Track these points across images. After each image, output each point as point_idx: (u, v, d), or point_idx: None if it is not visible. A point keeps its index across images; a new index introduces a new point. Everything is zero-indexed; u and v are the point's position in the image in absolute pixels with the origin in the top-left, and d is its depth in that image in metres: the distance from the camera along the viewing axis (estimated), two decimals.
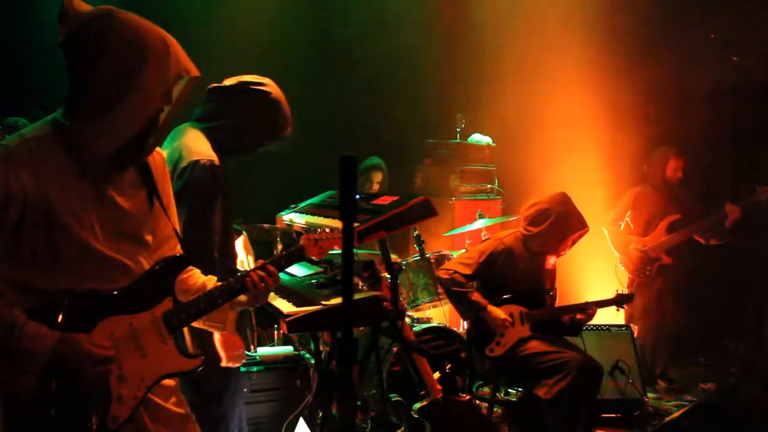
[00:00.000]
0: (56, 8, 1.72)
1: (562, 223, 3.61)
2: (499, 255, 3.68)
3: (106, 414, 1.71)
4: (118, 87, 1.67)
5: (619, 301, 3.77)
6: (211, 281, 2.03)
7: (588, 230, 3.71)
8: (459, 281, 3.58)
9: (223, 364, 2.37)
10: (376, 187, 5.24)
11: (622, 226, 5.20)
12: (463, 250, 4.59)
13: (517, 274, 3.68)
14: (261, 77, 2.58)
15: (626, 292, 5.08)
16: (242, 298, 1.99)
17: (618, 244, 5.14)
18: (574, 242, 3.73)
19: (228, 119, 2.51)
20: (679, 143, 5.27)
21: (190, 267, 2.03)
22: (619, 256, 5.13)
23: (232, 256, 2.64)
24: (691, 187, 5.16)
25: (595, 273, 5.50)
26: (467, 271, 3.62)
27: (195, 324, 1.96)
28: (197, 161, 2.36)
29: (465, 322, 4.34)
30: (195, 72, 1.81)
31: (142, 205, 1.86)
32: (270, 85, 2.57)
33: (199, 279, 2.04)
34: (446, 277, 3.61)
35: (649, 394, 4.50)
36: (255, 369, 3.56)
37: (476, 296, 3.58)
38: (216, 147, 2.48)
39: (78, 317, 1.71)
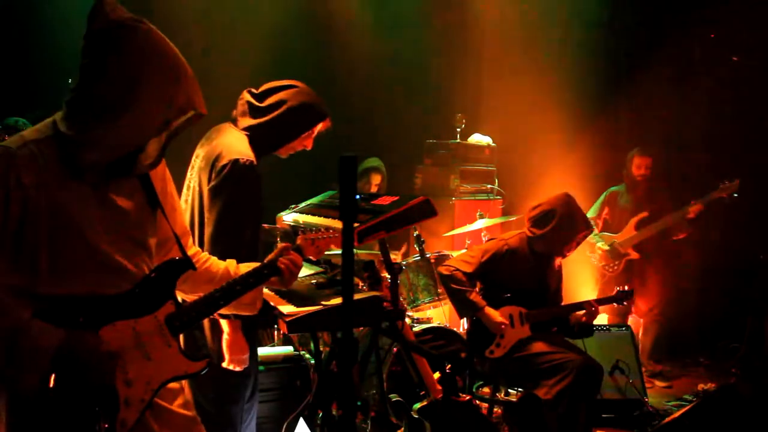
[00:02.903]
0: (58, 9, 1.73)
1: (567, 225, 3.60)
2: (503, 256, 3.67)
3: (114, 418, 1.71)
4: (122, 98, 1.66)
5: (618, 298, 3.77)
6: (232, 265, 2.09)
7: (592, 231, 3.70)
8: (459, 279, 3.58)
9: (225, 364, 2.38)
10: (374, 189, 5.24)
11: (600, 225, 5.38)
12: (463, 250, 4.59)
13: (520, 275, 3.67)
14: (291, 81, 2.70)
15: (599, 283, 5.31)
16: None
17: (589, 243, 5.36)
18: (578, 243, 3.71)
19: (263, 118, 2.58)
20: (669, 143, 5.35)
21: (207, 256, 2.10)
22: (589, 254, 5.39)
23: (256, 256, 2.67)
24: (668, 186, 5.34)
25: (578, 266, 5.53)
26: (468, 269, 3.61)
27: (224, 311, 1.99)
28: (237, 160, 2.41)
29: (465, 322, 4.34)
30: (202, 109, 1.80)
31: (142, 208, 1.86)
32: (299, 85, 2.69)
33: (220, 265, 2.08)
34: (447, 273, 3.61)
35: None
36: None
37: (474, 296, 3.58)
38: (254, 147, 2.55)
39: (81, 322, 1.70)
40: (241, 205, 2.42)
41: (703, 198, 5.02)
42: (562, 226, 3.59)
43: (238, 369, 2.40)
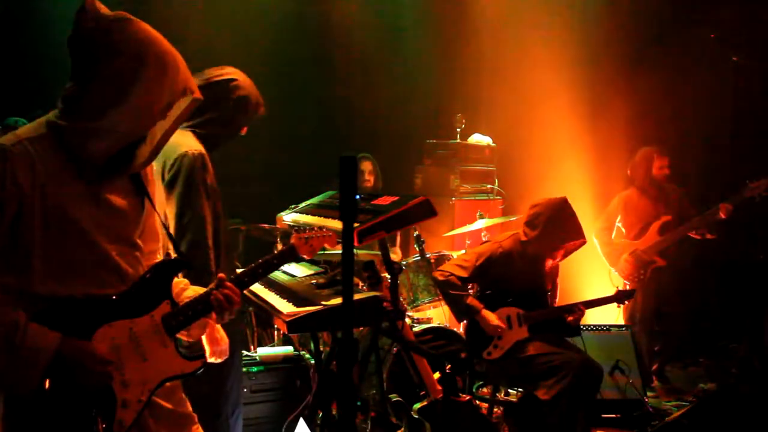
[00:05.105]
0: (57, 9, 1.74)
1: (552, 229, 3.55)
2: (497, 259, 3.66)
3: (111, 419, 1.71)
4: (119, 90, 1.67)
5: (619, 297, 3.75)
6: (181, 284, 2.02)
7: (584, 242, 3.65)
8: (454, 283, 3.58)
9: (208, 359, 2.38)
10: (367, 177, 5.21)
11: (614, 232, 5.17)
12: (463, 251, 4.59)
13: (515, 277, 3.66)
14: (222, 67, 2.71)
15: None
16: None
17: (608, 253, 5.12)
18: (568, 252, 3.69)
19: (209, 113, 2.60)
20: (670, 143, 5.30)
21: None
22: (610, 267, 5.12)
23: (222, 246, 2.69)
24: (682, 186, 5.18)
25: (591, 275, 5.47)
26: (463, 273, 3.61)
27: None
28: (186, 152, 2.47)
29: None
30: (198, 94, 1.83)
31: (135, 209, 1.86)
32: (234, 72, 2.69)
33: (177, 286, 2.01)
34: (442, 278, 3.61)
35: (648, 393, 4.52)
36: (255, 369, 3.55)
37: (471, 300, 3.58)
38: (202, 142, 2.59)
39: (78, 323, 1.70)
40: (197, 198, 2.47)
41: (732, 198, 4.78)
42: (548, 229, 3.55)
43: (221, 360, 2.38)
